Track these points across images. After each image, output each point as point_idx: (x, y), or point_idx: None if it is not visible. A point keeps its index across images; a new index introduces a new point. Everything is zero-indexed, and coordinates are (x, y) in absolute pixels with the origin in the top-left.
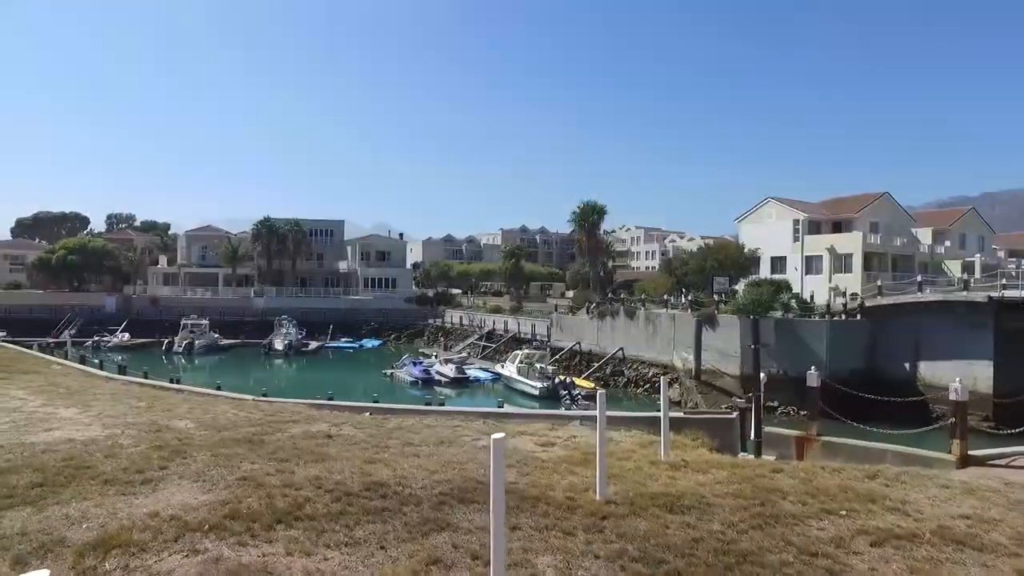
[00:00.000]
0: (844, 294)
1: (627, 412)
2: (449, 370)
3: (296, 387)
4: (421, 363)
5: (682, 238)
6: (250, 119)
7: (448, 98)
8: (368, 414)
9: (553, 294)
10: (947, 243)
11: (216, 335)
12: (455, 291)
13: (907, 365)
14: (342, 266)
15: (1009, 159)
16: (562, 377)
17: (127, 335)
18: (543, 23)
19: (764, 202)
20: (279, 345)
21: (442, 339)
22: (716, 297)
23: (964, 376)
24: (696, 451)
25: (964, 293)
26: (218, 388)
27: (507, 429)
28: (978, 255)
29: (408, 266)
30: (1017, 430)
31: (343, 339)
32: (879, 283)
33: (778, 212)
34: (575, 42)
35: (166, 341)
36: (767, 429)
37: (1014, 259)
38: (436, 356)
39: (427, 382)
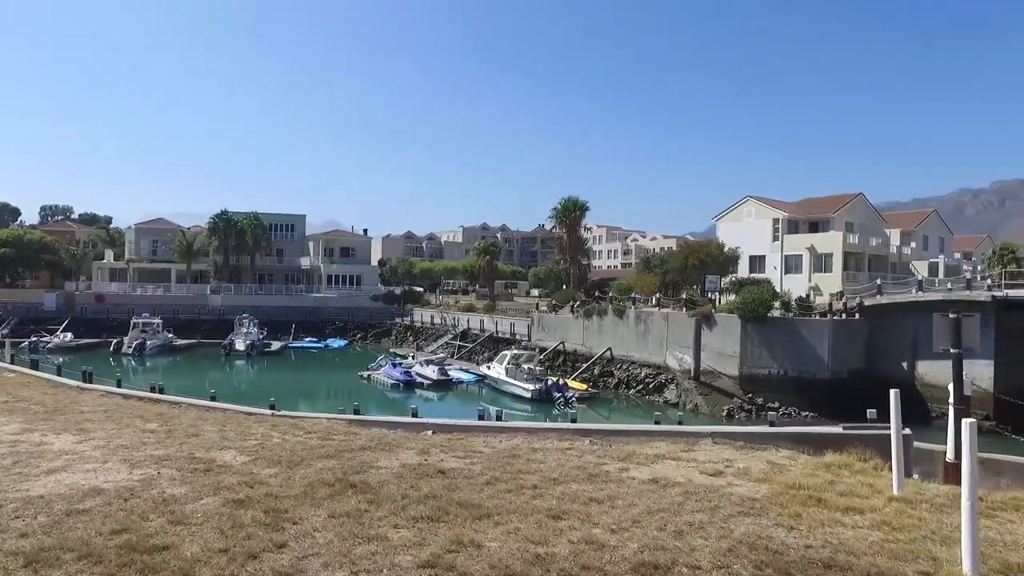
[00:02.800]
0: (823, 293)
1: (738, 427)
2: (431, 372)
3: (263, 390)
4: (400, 364)
5: (644, 237)
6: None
7: (407, 93)
8: (431, 432)
9: (518, 293)
10: (912, 244)
11: (170, 335)
12: (417, 288)
13: (904, 364)
14: (304, 262)
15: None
16: (555, 378)
17: (69, 335)
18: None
19: (743, 201)
20: (240, 345)
21: (411, 338)
22: (710, 296)
23: (965, 375)
24: (880, 477)
25: (965, 293)
26: (213, 398)
27: (625, 451)
28: (941, 256)
29: (373, 263)
30: None
31: (307, 339)
32: (879, 282)
33: (757, 211)
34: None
35: (114, 342)
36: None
37: (967, 260)
38: (413, 357)
39: (408, 384)
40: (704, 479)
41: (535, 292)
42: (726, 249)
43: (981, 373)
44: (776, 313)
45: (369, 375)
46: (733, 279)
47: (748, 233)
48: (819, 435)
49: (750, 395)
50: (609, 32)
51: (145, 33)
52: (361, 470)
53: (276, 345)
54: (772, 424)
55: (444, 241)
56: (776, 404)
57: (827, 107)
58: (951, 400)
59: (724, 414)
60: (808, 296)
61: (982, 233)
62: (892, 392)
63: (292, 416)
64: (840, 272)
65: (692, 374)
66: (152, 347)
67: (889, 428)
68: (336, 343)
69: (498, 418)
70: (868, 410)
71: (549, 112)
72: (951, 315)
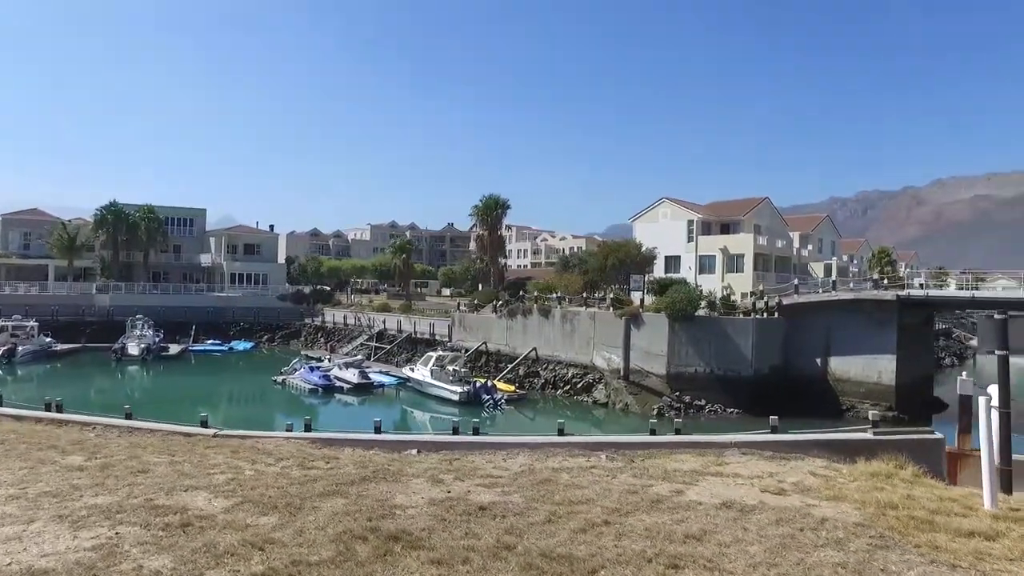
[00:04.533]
0: (735, 293)
1: (760, 436)
2: (351, 375)
3: (163, 399)
4: (318, 368)
5: (554, 237)
6: (72, 89)
7: (305, 86)
8: (416, 451)
9: (429, 292)
10: (809, 247)
11: (49, 339)
12: (325, 288)
13: (818, 361)
14: (204, 260)
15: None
16: (483, 380)
17: None
18: (414, 10)
19: (659, 202)
20: (134, 350)
21: (323, 340)
22: (637, 295)
23: (870, 369)
24: (935, 487)
25: (875, 292)
26: (128, 415)
27: (654, 466)
28: (834, 258)
29: (280, 261)
30: None
31: (209, 341)
32: (795, 282)
33: (672, 212)
34: (442, 31)
35: None
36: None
37: (852, 262)
38: (329, 359)
39: (327, 389)
40: (773, 499)
41: (446, 292)
42: (643, 249)
43: (885, 367)
44: (702, 312)
45: (284, 380)
46: (651, 279)
47: (664, 234)
48: (846, 441)
49: (677, 393)
50: (523, 28)
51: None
52: (385, 512)
53: (175, 349)
54: (774, 429)
55: (352, 239)
56: (703, 402)
57: (721, 115)
58: (995, 403)
59: (655, 413)
60: (724, 295)
61: (849, 238)
62: (981, 400)
63: (240, 436)
64: (751, 272)
65: (621, 373)
66: (24, 353)
67: (919, 433)
68: (241, 345)
69: (475, 431)
70: (770, 417)
71: (459, 109)
72: (997, 315)
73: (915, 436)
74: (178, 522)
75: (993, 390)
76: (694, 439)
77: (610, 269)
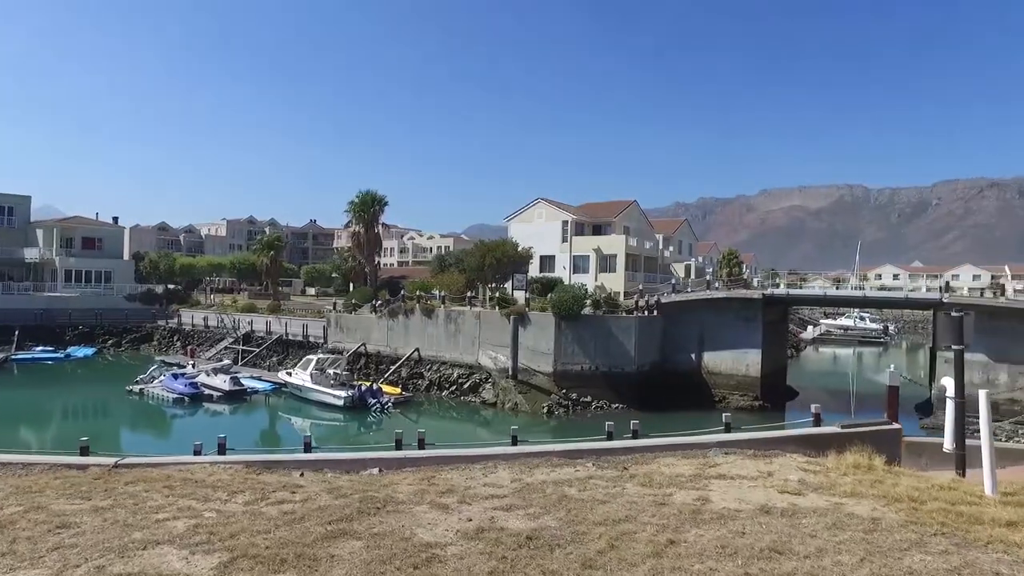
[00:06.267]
0: (608, 292)
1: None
2: (221, 382)
3: None
4: (182, 375)
5: (421, 236)
6: None
7: (141, 70)
8: (378, 470)
9: (293, 291)
10: (671, 248)
11: None
12: (175, 286)
13: (693, 356)
14: (29, 254)
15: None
16: (368, 383)
17: None
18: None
19: (534, 203)
20: None
21: (180, 343)
22: (524, 294)
23: (739, 363)
24: (918, 476)
25: (744, 291)
26: None
27: (646, 472)
28: (692, 259)
29: (127, 257)
30: None
31: (38, 348)
32: (673, 282)
33: (548, 213)
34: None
35: None
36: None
37: (703, 261)
38: (193, 365)
39: (195, 398)
40: (799, 500)
41: (311, 291)
42: (520, 249)
43: (752, 360)
44: (588, 311)
45: (141, 389)
46: (528, 278)
47: (539, 234)
48: (818, 436)
49: (564, 391)
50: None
51: None
52: (424, 555)
53: None
54: (729, 426)
55: (205, 234)
56: (589, 398)
57: (580, 120)
58: (950, 394)
59: (545, 411)
60: (596, 294)
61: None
62: (981, 393)
63: (153, 464)
64: (623, 272)
65: (510, 372)
66: None
67: (880, 424)
68: (80, 352)
69: (420, 444)
70: (632, 422)
71: (317, 103)
72: (954, 314)
73: (876, 428)
74: None
75: (948, 382)
76: (673, 441)
77: (488, 268)
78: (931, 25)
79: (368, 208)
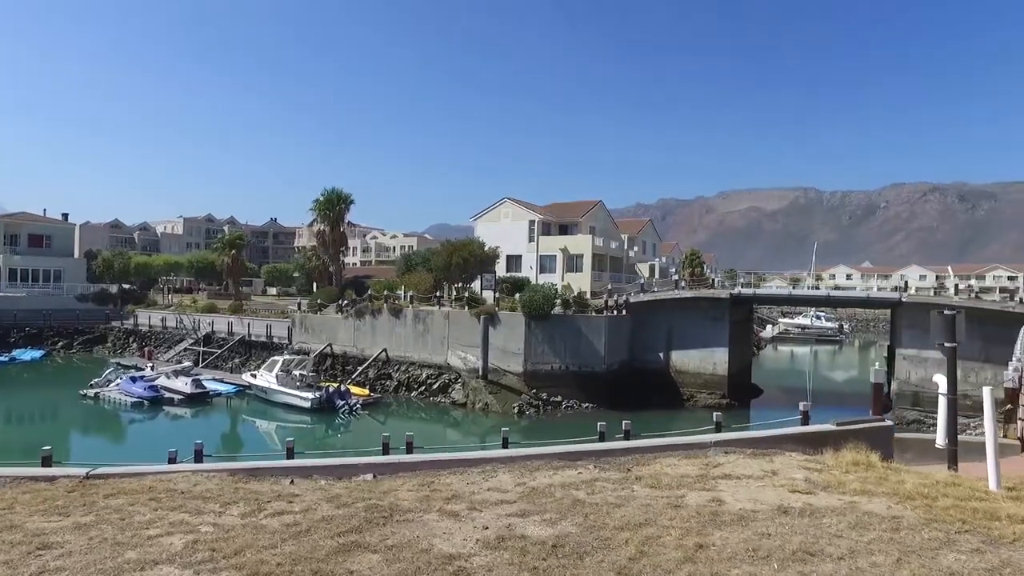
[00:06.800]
0: (575, 291)
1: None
2: (183, 384)
3: None
4: (141, 377)
5: (384, 235)
6: None
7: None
8: (372, 476)
9: (254, 291)
10: (635, 248)
11: None
12: (128, 286)
13: (661, 355)
14: None
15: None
16: (335, 385)
17: None
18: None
19: (501, 202)
20: None
21: (136, 345)
22: (494, 293)
23: (707, 361)
24: (917, 473)
25: (711, 290)
26: None
27: (657, 474)
28: (657, 259)
29: (78, 255)
30: None
31: None
32: (641, 282)
33: (514, 213)
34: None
35: None
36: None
37: (665, 261)
38: (151, 367)
39: (155, 401)
40: (813, 499)
41: (272, 291)
42: (486, 248)
43: (719, 359)
44: (558, 311)
45: (97, 393)
46: (497, 278)
47: (506, 233)
48: (814, 434)
49: (535, 390)
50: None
51: None
52: (449, 572)
53: None
54: (720, 425)
55: (161, 232)
56: (559, 398)
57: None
58: (942, 391)
59: (516, 411)
60: (582, 294)
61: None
62: (986, 390)
63: (129, 475)
64: (590, 272)
65: (480, 373)
66: None
67: (873, 422)
68: (28, 355)
69: (409, 448)
70: (624, 422)
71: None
72: (946, 312)
73: (869, 425)
74: None
75: (940, 379)
76: (671, 441)
77: (455, 268)
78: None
79: (334, 206)
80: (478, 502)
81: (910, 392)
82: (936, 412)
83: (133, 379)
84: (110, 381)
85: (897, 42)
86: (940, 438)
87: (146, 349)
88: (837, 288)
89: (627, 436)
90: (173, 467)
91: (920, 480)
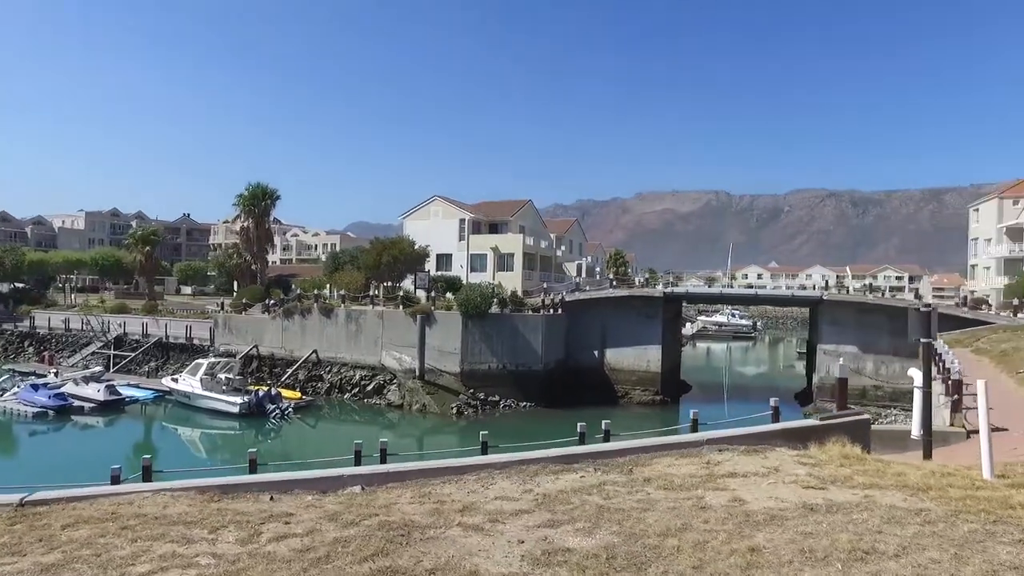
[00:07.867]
0: (506, 291)
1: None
2: (95, 391)
3: None
4: (43, 385)
5: (306, 232)
6: None
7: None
8: (360, 488)
9: (167, 290)
10: (563, 248)
11: None
12: (22, 285)
13: (596, 353)
14: None
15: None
16: (265, 388)
17: None
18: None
19: (430, 200)
20: None
21: (33, 349)
22: (428, 292)
23: (641, 359)
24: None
25: (645, 289)
26: None
27: (663, 475)
28: (584, 258)
29: None
30: None
31: None
32: (577, 280)
33: (444, 211)
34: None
35: None
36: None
37: (591, 260)
38: (56, 374)
39: (63, 411)
40: (829, 495)
41: (187, 290)
42: (416, 247)
43: (653, 356)
44: (495, 310)
45: None
46: (430, 277)
47: (436, 232)
48: (799, 429)
49: (472, 390)
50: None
51: None
52: None
53: None
54: (696, 423)
55: (59, 227)
56: (497, 397)
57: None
58: (918, 384)
59: (454, 412)
60: (516, 293)
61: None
62: (979, 383)
63: (77, 498)
64: (521, 271)
65: (417, 373)
66: None
67: (853, 416)
68: None
69: (383, 457)
70: (603, 421)
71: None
72: (923, 309)
73: (850, 419)
74: None
75: (915, 372)
76: (664, 441)
77: (384, 266)
78: (789, 49)
79: (259, 202)
80: (494, 513)
81: (830, 385)
82: (856, 403)
83: (35, 387)
84: (5, 390)
85: (801, 57)
86: (915, 429)
87: (46, 354)
88: (751, 287)
89: (606, 436)
90: (128, 487)
91: (920, 471)
